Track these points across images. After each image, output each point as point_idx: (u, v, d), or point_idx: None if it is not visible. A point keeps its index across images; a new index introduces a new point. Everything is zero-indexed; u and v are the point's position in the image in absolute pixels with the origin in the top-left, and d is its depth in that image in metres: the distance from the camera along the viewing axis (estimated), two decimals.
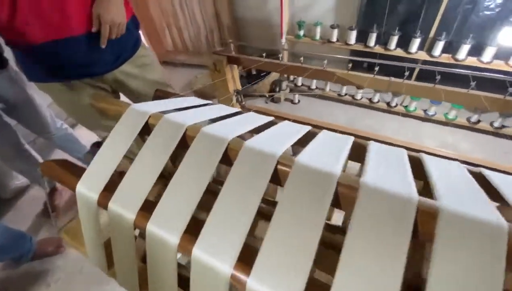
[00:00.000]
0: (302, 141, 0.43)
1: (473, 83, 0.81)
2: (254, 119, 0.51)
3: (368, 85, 0.94)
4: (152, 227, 0.36)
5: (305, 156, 0.35)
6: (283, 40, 1.89)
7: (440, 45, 1.47)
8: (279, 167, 0.34)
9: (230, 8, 2.23)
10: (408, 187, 0.29)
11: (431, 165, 0.37)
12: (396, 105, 1.87)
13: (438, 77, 0.84)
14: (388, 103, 1.90)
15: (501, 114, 1.58)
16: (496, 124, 1.65)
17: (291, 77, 2.19)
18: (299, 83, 2.14)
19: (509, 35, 1.39)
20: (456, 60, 1.47)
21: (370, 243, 0.26)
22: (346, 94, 2.00)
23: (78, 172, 0.50)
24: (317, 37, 1.81)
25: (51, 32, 0.71)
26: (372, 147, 0.42)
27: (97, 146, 1.44)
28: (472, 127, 1.70)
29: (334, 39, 1.75)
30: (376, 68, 0.90)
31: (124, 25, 0.80)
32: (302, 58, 1.06)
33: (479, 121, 1.69)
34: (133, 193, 0.41)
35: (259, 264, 0.28)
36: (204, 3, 2.29)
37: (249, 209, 0.32)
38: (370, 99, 1.94)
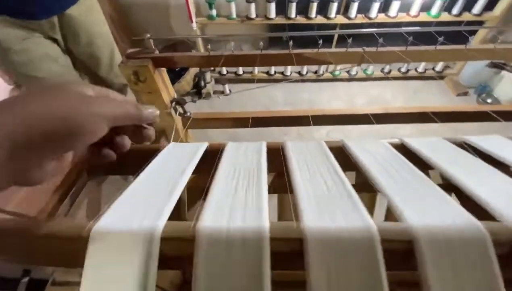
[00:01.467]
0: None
1: (380, 40, 0.82)
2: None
3: (315, 62, 0.82)
4: None
5: (207, 218, 0.22)
6: (194, 24, 1.57)
7: (355, 7, 1.50)
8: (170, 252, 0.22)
9: None
10: (258, 217, 0.22)
11: (356, 151, 0.32)
12: (323, 73, 1.91)
13: (350, 40, 0.82)
14: (316, 73, 1.91)
15: None
16: (403, 69, 1.90)
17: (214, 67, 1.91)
18: (224, 72, 1.90)
19: None
20: (370, 18, 1.54)
21: None
22: (275, 72, 1.90)
23: None
24: (234, 15, 1.58)
25: None
26: (290, 153, 0.33)
27: (32, 286, 0.81)
28: (387, 77, 1.91)
29: (253, 15, 1.57)
30: (321, 41, 0.78)
31: None
32: (209, 46, 0.84)
33: (390, 71, 1.91)
34: None
35: None
36: None
37: None
38: (299, 73, 1.90)
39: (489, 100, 1.72)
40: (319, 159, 0.31)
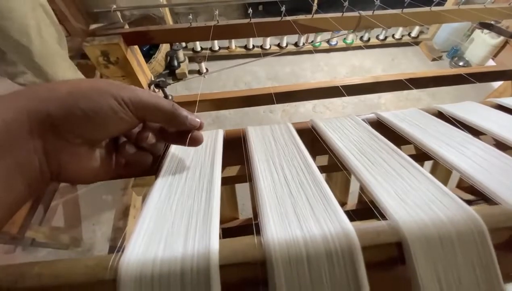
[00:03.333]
0: None
1: (346, 3, 0.78)
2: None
3: (288, 31, 0.76)
4: None
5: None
6: None
7: None
8: None
9: None
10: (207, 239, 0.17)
11: (326, 131, 0.30)
12: (303, 44, 1.83)
13: (346, 3, 0.76)
14: (296, 44, 1.83)
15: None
16: (381, 37, 1.88)
17: (184, 44, 1.75)
18: (198, 48, 1.74)
19: None
20: None
21: None
22: (254, 46, 1.79)
23: None
24: None
25: None
26: (252, 141, 0.29)
27: None
28: (367, 45, 1.89)
29: None
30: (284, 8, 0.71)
31: None
32: (191, 17, 0.71)
33: (369, 39, 1.88)
34: None
35: None
36: None
37: None
38: (279, 45, 1.81)
39: (461, 63, 1.78)
40: (286, 146, 0.27)
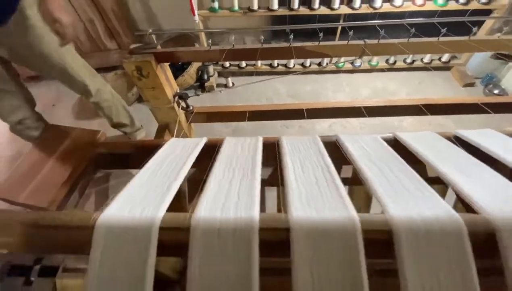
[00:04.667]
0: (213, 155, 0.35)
1: (382, 31, 0.81)
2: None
3: (316, 55, 0.82)
4: None
5: (204, 209, 0.25)
6: (196, 17, 1.57)
7: None
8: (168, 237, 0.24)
9: None
10: (250, 208, 0.24)
11: (350, 145, 0.35)
12: (327, 64, 1.89)
13: (351, 32, 0.80)
14: (319, 64, 1.89)
15: None
16: (408, 60, 1.87)
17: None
18: (227, 64, 1.89)
19: None
20: (374, 8, 1.51)
21: None
22: (278, 64, 1.89)
23: None
24: (236, 7, 1.56)
25: None
26: (285, 148, 0.35)
27: (12, 272, 0.90)
28: (391, 68, 1.89)
29: (256, 6, 1.55)
30: (321, 35, 0.78)
31: None
32: (210, 40, 0.83)
33: (395, 61, 1.88)
34: None
35: None
36: None
37: None
38: (302, 64, 1.89)
39: (496, 91, 1.69)
40: (312, 154, 0.32)
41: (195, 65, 1.79)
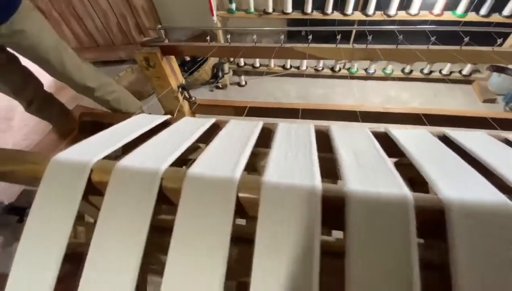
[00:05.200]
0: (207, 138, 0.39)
1: (400, 37, 0.81)
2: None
3: (332, 56, 0.85)
4: None
5: (200, 165, 0.30)
6: (214, 17, 1.67)
7: (373, 3, 1.48)
8: (168, 185, 0.29)
9: None
10: (312, 177, 0.27)
11: (338, 139, 0.37)
12: (340, 69, 1.90)
13: (370, 37, 0.81)
14: (332, 69, 1.91)
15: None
16: (425, 71, 1.82)
17: (232, 58, 2.00)
18: (242, 63, 1.98)
19: None
20: (388, 16, 1.51)
21: (277, 252, 0.24)
22: (291, 66, 1.93)
23: None
24: (252, 9, 1.64)
25: None
26: (279, 131, 0.40)
27: (10, 211, 1.09)
28: (407, 78, 1.85)
29: (270, 9, 1.62)
30: (339, 37, 0.81)
31: None
32: (229, 36, 0.90)
33: (411, 71, 1.84)
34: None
35: None
36: None
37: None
38: (315, 68, 1.92)
39: None
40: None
41: (211, 62, 1.90)
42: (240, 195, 0.27)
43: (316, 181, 0.26)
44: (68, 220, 0.28)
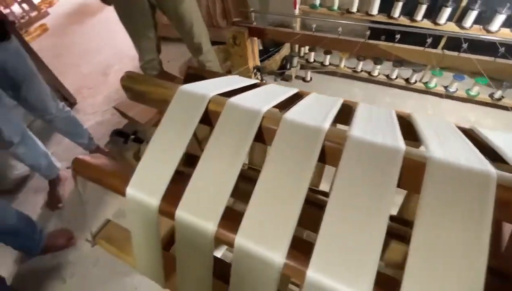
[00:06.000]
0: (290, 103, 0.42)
1: (502, 49, 0.72)
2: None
3: (418, 59, 0.84)
4: (185, 215, 0.32)
5: (292, 113, 0.35)
6: (296, 11, 1.72)
7: (472, 15, 1.35)
8: (266, 124, 0.34)
9: None
10: (395, 140, 0.30)
11: (421, 122, 0.37)
12: (416, 81, 1.78)
13: (465, 45, 0.75)
14: (407, 80, 1.80)
15: None
16: None
17: (302, 53, 2.05)
18: (311, 59, 2.00)
19: None
20: (488, 31, 1.36)
21: (354, 195, 0.27)
22: (362, 70, 1.89)
23: (120, 171, 0.41)
24: (335, 6, 1.65)
25: None
26: (361, 107, 0.42)
27: (118, 134, 1.36)
28: (494, 104, 1.64)
29: (354, 9, 1.61)
30: (430, 40, 0.79)
31: None
32: (314, 26, 0.93)
33: (502, 97, 1.63)
34: (210, 199, 0.33)
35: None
36: None
37: (298, 193, 0.30)
38: (387, 76, 1.84)
39: None
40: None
41: (282, 53, 1.97)
42: (327, 143, 0.31)
43: (399, 142, 0.29)
44: (188, 133, 0.37)
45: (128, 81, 0.46)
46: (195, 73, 0.63)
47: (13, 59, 1.00)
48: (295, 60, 1.97)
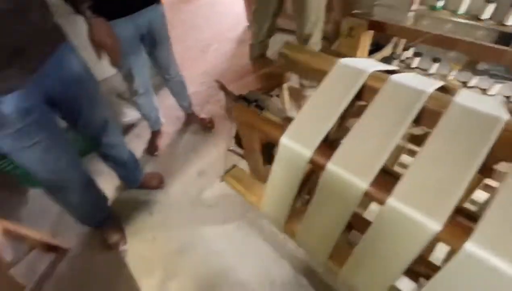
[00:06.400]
0: None
1: None
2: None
3: None
4: (337, 168, 0.37)
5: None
6: (414, 6, 1.58)
7: None
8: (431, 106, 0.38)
9: None
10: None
11: None
12: None
13: None
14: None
15: None
16: None
17: (404, 56, 1.90)
18: (414, 65, 1.84)
19: None
20: None
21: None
22: (476, 86, 1.65)
23: (273, 121, 0.48)
24: (462, 11, 1.47)
25: None
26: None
27: (242, 98, 1.51)
28: None
29: (487, 16, 1.40)
30: None
31: None
32: (448, 26, 0.85)
33: None
34: (365, 160, 0.36)
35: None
36: None
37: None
38: (508, 97, 1.57)
39: None
40: None
41: (383, 54, 1.86)
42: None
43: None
44: (345, 100, 0.41)
45: (287, 49, 0.52)
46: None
47: (159, 21, 1.20)
48: (395, 62, 1.84)
